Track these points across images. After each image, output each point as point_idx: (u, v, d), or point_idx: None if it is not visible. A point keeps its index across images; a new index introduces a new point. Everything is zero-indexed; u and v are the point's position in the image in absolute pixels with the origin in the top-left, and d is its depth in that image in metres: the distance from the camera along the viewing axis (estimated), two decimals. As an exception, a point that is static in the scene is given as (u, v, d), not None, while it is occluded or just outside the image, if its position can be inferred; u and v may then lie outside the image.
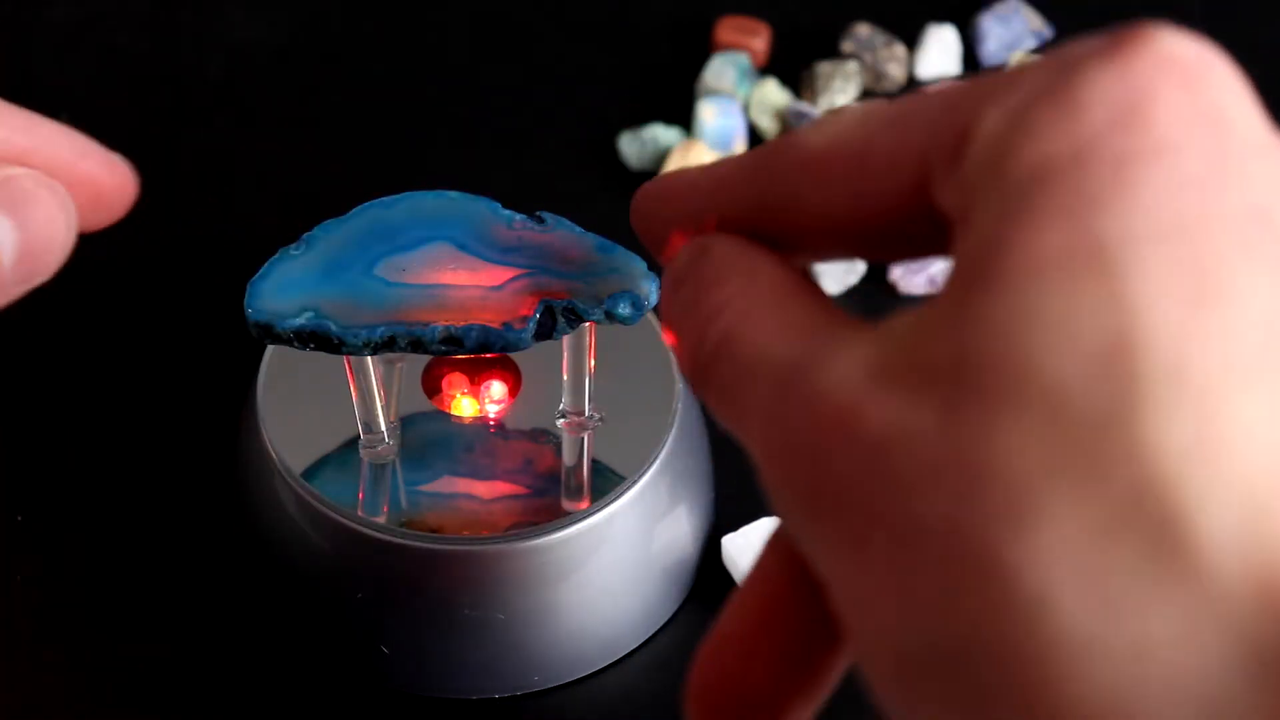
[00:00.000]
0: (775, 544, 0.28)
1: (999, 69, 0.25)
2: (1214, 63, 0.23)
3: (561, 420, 0.47)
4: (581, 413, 0.47)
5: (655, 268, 0.43)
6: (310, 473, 0.47)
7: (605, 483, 0.47)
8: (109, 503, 0.52)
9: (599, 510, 0.47)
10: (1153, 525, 0.20)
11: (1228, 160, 0.22)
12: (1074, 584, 0.20)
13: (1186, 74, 0.23)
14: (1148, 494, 0.20)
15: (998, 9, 0.66)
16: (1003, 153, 0.23)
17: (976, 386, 0.21)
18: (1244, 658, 0.20)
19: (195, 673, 0.49)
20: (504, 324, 0.42)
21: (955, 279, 0.23)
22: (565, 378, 0.46)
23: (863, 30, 0.65)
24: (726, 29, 0.65)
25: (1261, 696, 0.20)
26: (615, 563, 0.48)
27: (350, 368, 0.45)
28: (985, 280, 0.22)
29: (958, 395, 0.22)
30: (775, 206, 0.27)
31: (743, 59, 0.64)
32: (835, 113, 0.27)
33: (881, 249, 0.27)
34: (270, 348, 0.49)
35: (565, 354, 0.45)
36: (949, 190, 0.24)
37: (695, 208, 0.29)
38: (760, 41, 0.65)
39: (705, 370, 0.27)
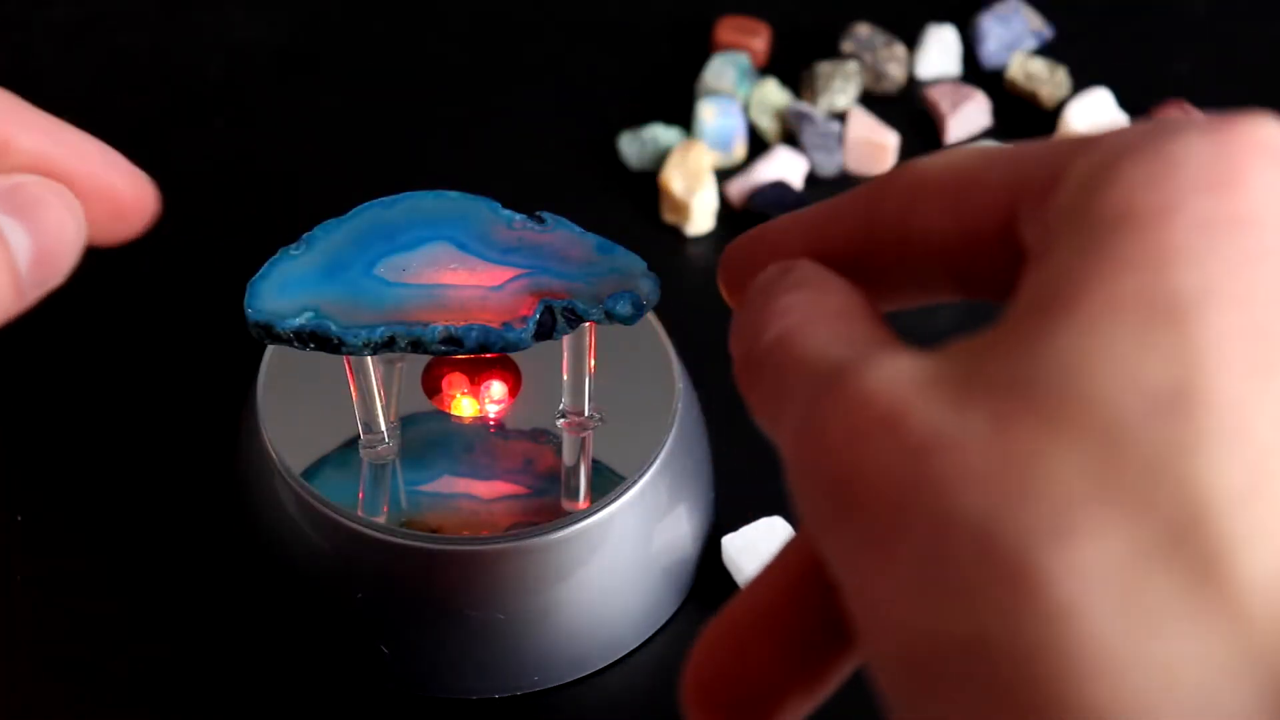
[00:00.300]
0: (792, 545, 0.29)
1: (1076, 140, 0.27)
2: None
3: (561, 420, 0.47)
4: (581, 413, 0.47)
5: (655, 268, 0.43)
6: (310, 473, 0.47)
7: (605, 483, 0.47)
8: (109, 503, 0.52)
9: (599, 510, 0.47)
10: (1195, 557, 0.21)
11: None
12: (1109, 598, 0.21)
13: (1278, 159, 0.24)
14: (1194, 528, 0.21)
15: (998, 9, 0.66)
16: (1090, 196, 0.24)
17: (1034, 405, 0.23)
18: (1270, 691, 0.21)
19: (195, 673, 0.49)
20: (504, 324, 0.42)
21: (1023, 306, 0.24)
22: (565, 378, 0.46)
23: (863, 30, 0.65)
24: (726, 29, 0.65)
25: None
26: (615, 563, 0.48)
27: (350, 368, 0.45)
28: (1057, 310, 0.23)
29: (1013, 410, 0.23)
30: (880, 229, 0.29)
31: (743, 59, 0.64)
32: (956, 148, 0.29)
33: (963, 281, 0.29)
34: (270, 348, 0.49)
35: (565, 354, 0.45)
36: (1033, 225, 0.26)
37: (794, 244, 0.30)
38: (760, 41, 0.65)
39: (756, 367, 0.28)
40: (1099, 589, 0.21)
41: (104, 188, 0.36)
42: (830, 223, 0.30)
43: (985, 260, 0.27)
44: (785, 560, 0.29)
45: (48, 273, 0.34)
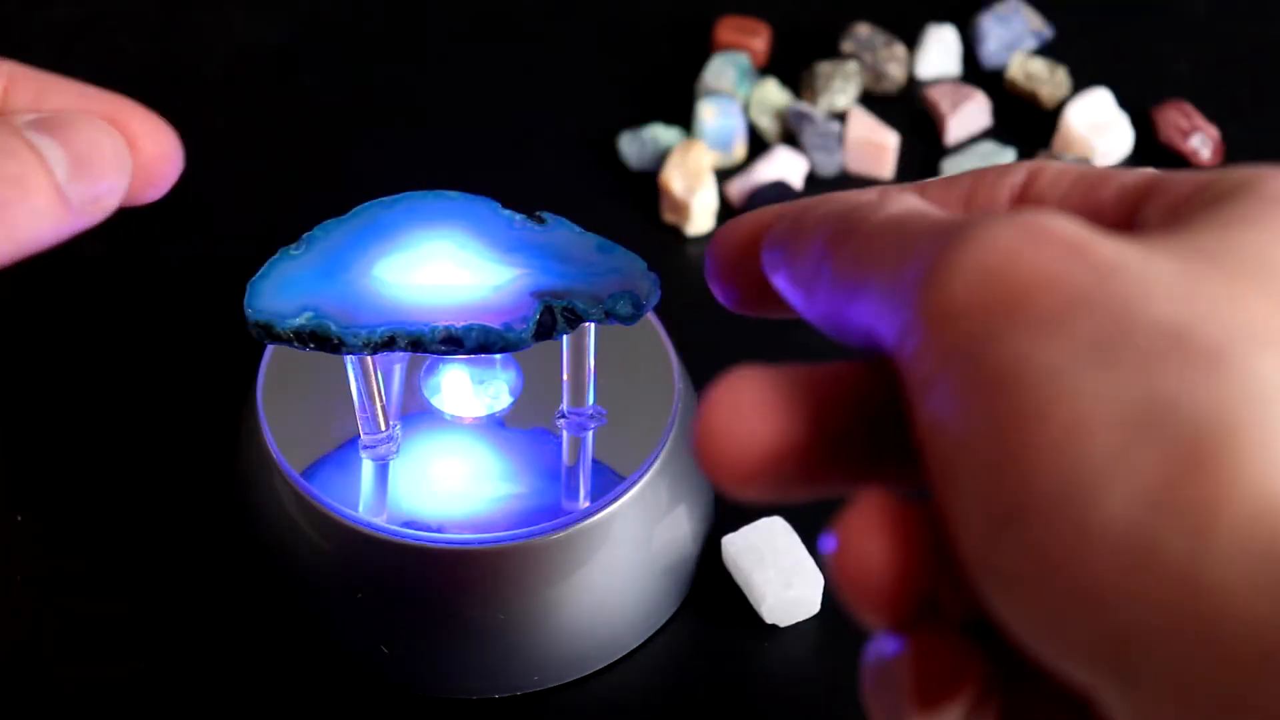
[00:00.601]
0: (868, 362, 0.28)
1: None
2: None
3: (561, 420, 0.47)
4: (581, 413, 0.47)
5: (655, 268, 0.43)
6: (310, 473, 0.47)
7: (605, 483, 0.47)
8: (109, 503, 0.52)
9: (599, 510, 0.47)
10: None
11: None
12: None
13: None
14: None
15: (998, 9, 0.66)
16: (1206, 183, 0.27)
17: (1226, 267, 0.24)
18: None
19: (196, 673, 0.49)
20: (504, 324, 0.42)
21: (1188, 211, 0.27)
22: (565, 378, 0.46)
23: (863, 30, 0.65)
24: (726, 29, 0.65)
25: None
26: (615, 563, 0.48)
27: (350, 368, 0.45)
28: (1230, 214, 0.26)
29: (1201, 267, 0.24)
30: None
31: (743, 59, 0.64)
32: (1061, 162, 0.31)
33: None
34: (270, 348, 0.49)
35: (565, 354, 0.45)
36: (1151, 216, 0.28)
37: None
38: (760, 41, 0.65)
39: (863, 231, 0.27)
40: None
41: (130, 138, 0.37)
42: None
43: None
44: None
45: (93, 183, 0.35)
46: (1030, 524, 0.23)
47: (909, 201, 0.28)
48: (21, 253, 0.35)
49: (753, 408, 0.27)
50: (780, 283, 0.30)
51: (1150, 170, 0.29)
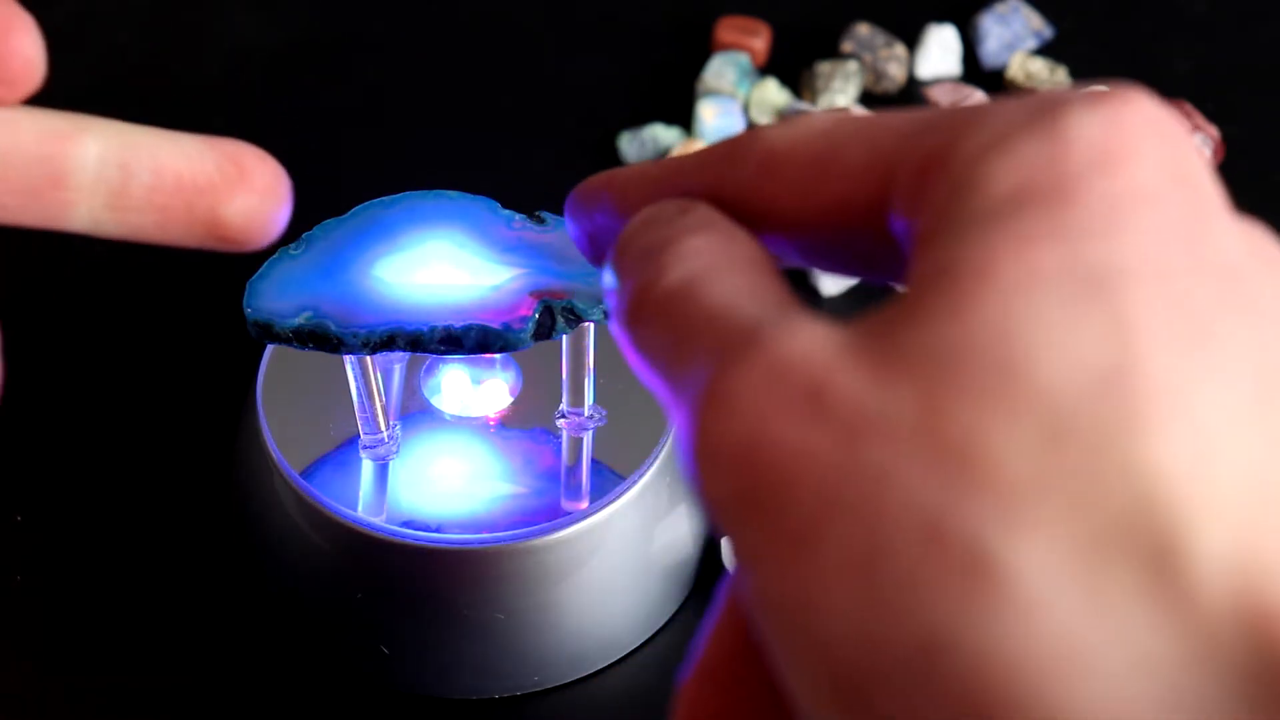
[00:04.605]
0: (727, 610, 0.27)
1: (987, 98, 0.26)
2: (1185, 131, 0.24)
3: (561, 420, 0.47)
4: (581, 413, 0.47)
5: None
6: (310, 473, 0.47)
7: (605, 483, 0.47)
8: (109, 503, 0.52)
9: (599, 510, 0.47)
10: (1148, 543, 0.20)
11: (1202, 218, 0.23)
12: (1071, 592, 0.20)
13: (1164, 135, 0.24)
14: (1144, 512, 0.21)
15: (998, 9, 0.66)
16: (981, 176, 0.23)
17: (965, 382, 0.21)
18: (1240, 683, 0.20)
19: (195, 672, 0.49)
20: (503, 324, 0.42)
21: (926, 281, 0.23)
22: (565, 378, 0.46)
23: (863, 30, 0.65)
24: (726, 29, 0.65)
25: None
26: (615, 563, 0.48)
27: (350, 368, 0.45)
28: (970, 283, 0.22)
29: (943, 387, 0.21)
30: (729, 200, 0.27)
31: (743, 59, 0.64)
32: (804, 116, 0.27)
33: (824, 257, 0.27)
34: (270, 348, 0.49)
35: (565, 354, 0.45)
36: (913, 207, 0.24)
37: (647, 191, 0.29)
38: (760, 41, 0.65)
39: (655, 308, 0.26)
40: (1061, 582, 0.20)
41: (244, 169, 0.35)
42: (681, 180, 0.28)
43: (848, 237, 0.26)
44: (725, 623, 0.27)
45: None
46: None
47: (695, 261, 0.26)
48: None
49: None
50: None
51: (898, 124, 0.25)
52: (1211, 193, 0.24)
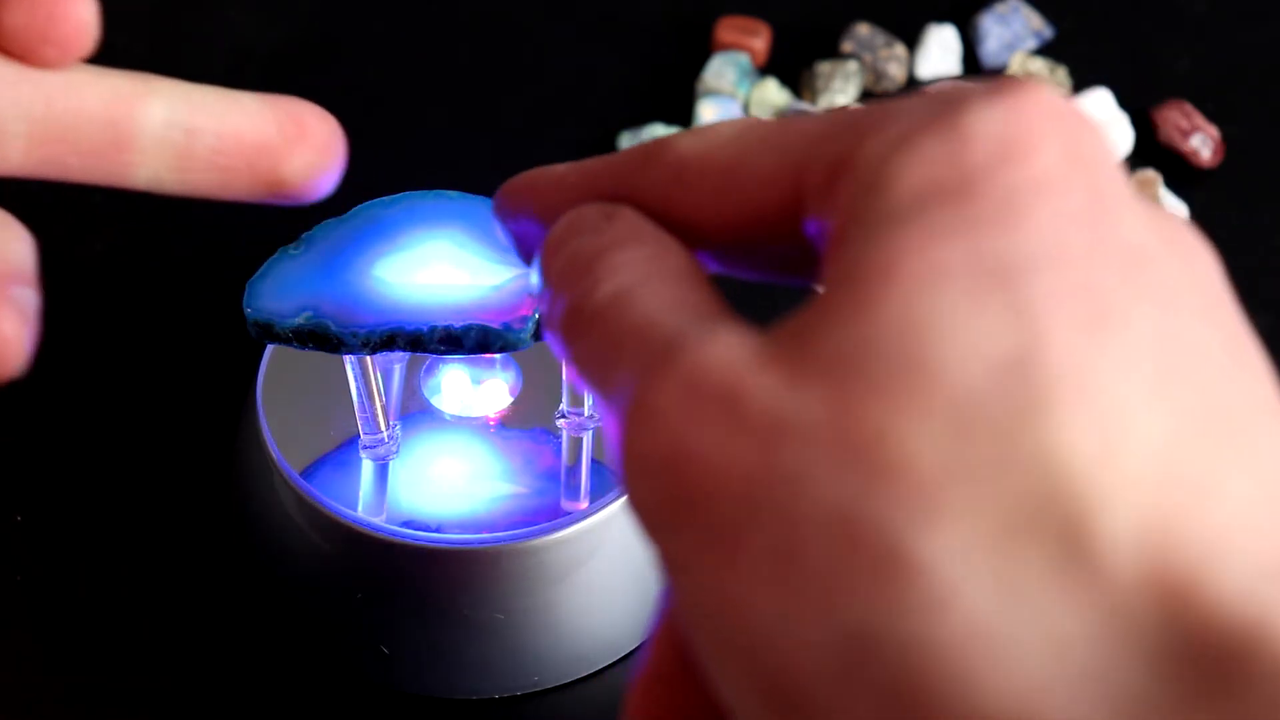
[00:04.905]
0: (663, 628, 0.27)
1: (912, 92, 0.26)
2: (1086, 117, 0.24)
3: (561, 420, 0.47)
4: (581, 413, 0.47)
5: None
6: (310, 473, 0.47)
7: (605, 483, 0.47)
8: (109, 503, 0.52)
9: (599, 510, 0.47)
10: (1058, 526, 0.21)
11: (1105, 202, 0.23)
12: (984, 580, 0.21)
13: (1064, 122, 0.24)
14: (1053, 497, 0.21)
15: (998, 9, 0.66)
16: (887, 176, 0.24)
17: (873, 380, 0.22)
18: (1153, 657, 0.20)
19: (195, 672, 0.49)
20: (503, 324, 0.42)
21: (836, 283, 0.23)
22: (565, 378, 0.46)
23: (863, 30, 0.65)
24: (726, 29, 0.65)
25: (1172, 696, 0.20)
26: (615, 563, 0.47)
27: (350, 368, 0.45)
28: (876, 282, 0.23)
29: (852, 387, 0.22)
30: (643, 206, 0.28)
31: (743, 59, 0.64)
32: (713, 125, 0.28)
33: (742, 263, 0.28)
34: (270, 348, 0.49)
35: (575, 371, 0.45)
36: (824, 210, 0.25)
37: (564, 198, 0.29)
38: (760, 41, 0.65)
39: (585, 323, 0.26)
40: (972, 571, 0.21)
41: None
42: (598, 186, 0.29)
43: (764, 244, 0.27)
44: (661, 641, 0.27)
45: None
46: None
47: (623, 275, 0.26)
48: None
49: None
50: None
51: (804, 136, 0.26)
52: (1116, 178, 0.24)
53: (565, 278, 0.27)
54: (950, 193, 0.23)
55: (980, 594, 0.20)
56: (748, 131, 0.27)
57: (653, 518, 0.23)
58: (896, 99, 0.25)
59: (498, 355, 0.48)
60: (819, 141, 0.25)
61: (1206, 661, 0.20)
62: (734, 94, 0.63)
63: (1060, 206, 0.23)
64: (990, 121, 0.24)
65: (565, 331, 0.27)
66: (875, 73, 0.64)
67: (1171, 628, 0.20)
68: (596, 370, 0.26)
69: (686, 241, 0.27)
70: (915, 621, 0.20)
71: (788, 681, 0.21)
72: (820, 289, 0.24)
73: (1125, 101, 0.63)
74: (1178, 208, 0.60)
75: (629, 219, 0.28)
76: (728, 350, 0.23)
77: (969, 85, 0.24)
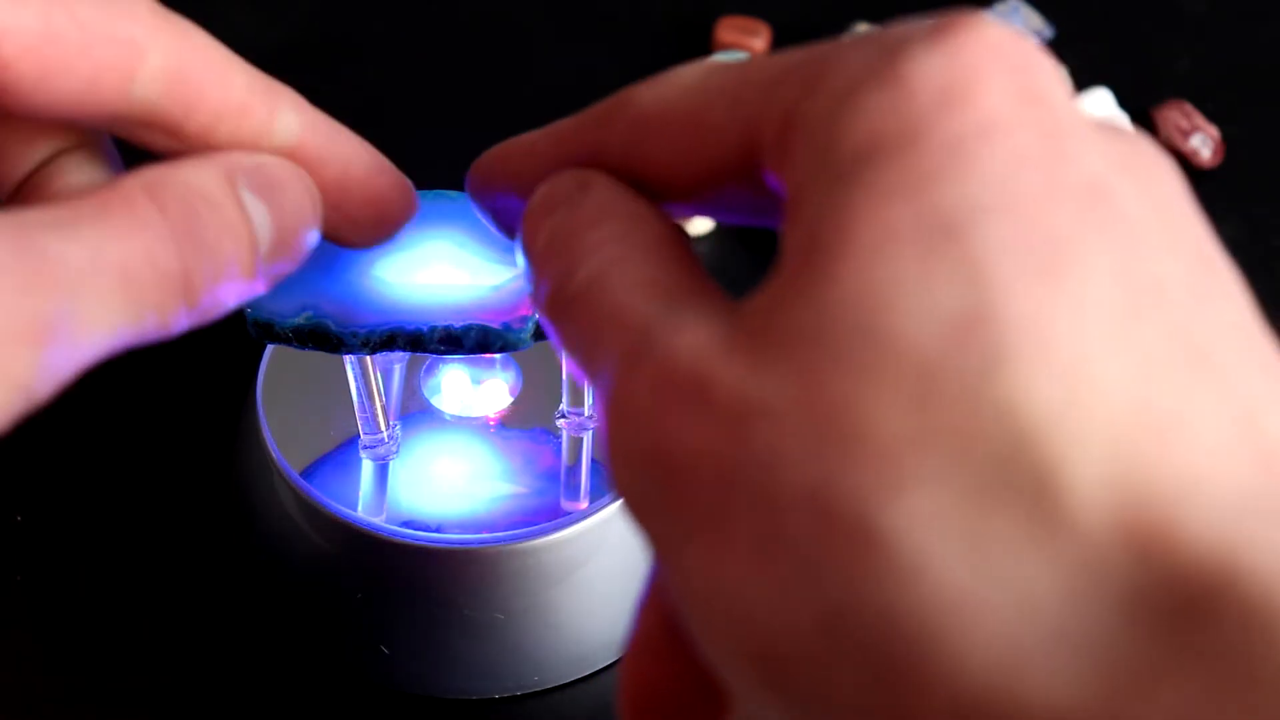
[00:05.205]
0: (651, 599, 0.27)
1: (825, 43, 0.25)
2: (1033, 49, 0.23)
3: (561, 420, 0.47)
4: (581, 413, 0.47)
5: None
6: (310, 473, 0.47)
7: (605, 483, 0.47)
8: (109, 503, 0.52)
9: (598, 510, 0.47)
10: (1025, 483, 0.21)
11: (1057, 138, 0.22)
12: (954, 545, 0.20)
13: (1009, 58, 0.23)
14: (1018, 454, 0.21)
15: (998, 9, 0.66)
16: (831, 134, 0.23)
17: (834, 354, 0.22)
18: (1125, 604, 0.20)
19: (196, 672, 0.49)
20: (504, 324, 0.42)
21: (795, 254, 0.23)
22: (565, 378, 0.46)
23: (863, 30, 0.65)
24: (726, 29, 0.65)
25: (1145, 640, 0.20)
26: (615, 563, 0.48)
27: (350, 368, 0.45)
28: (831, 253, 0.22)
29: (815, 363, 0.22)
30: (611, 163, 0.28)
31: (743, 59, 0.64)
32: (675, 71, 0.27)
33: (719, 212, 0.27)
34: (270, 348, 0.49)
35: (565, 354, 0.45)
36: (779, 167, 0.24)
37: (536, 167, 0.29)
38: (760, 41, 0.65)
39: (566, 309, 0.26)
40: (942, 537, 0.20)
41: (373, 190, 0.35)
42: (565, 150, 0.29)
43: (735, 191, 0.26)
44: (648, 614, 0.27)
45: (283, 255, 0.34)
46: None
47: (597, 256, 0.26)
48: (196, 325, 0.33)
49: None
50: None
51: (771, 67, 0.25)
52: (1068, 109, 0.23)
53: (545, 261, 0.27)
54: (896, 147, 0.22)
55: (951, 559, 0.20)
56: (706, 79, 0.26)
57: (638, 505, 0.24)
58: (842, 44, 0.25)
59: (498, 355, 0.48)
60: (769, 90, 0.25)
61: (1180, 602, 0.20)
62: (734, 94, 0.63)
63: (1008, 148, 0.22)
64: (931, 66, 0.23)
65: (550, 315, 0.27)
66: (875, 73, 0.64)
67: (1144, 573, 0.20)
68: (581, 355, 0.26)
69: (656, 195, 0.27)
70: (889, 591, 0.20)
71: (775, 656, 0.21)
72: (782, 259, 0.24)
73: (1125, 101, 0.63)
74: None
75: (601, 188, 0.27)
76: (694, 339, 0.23)
77: (910, 27, 0.24)
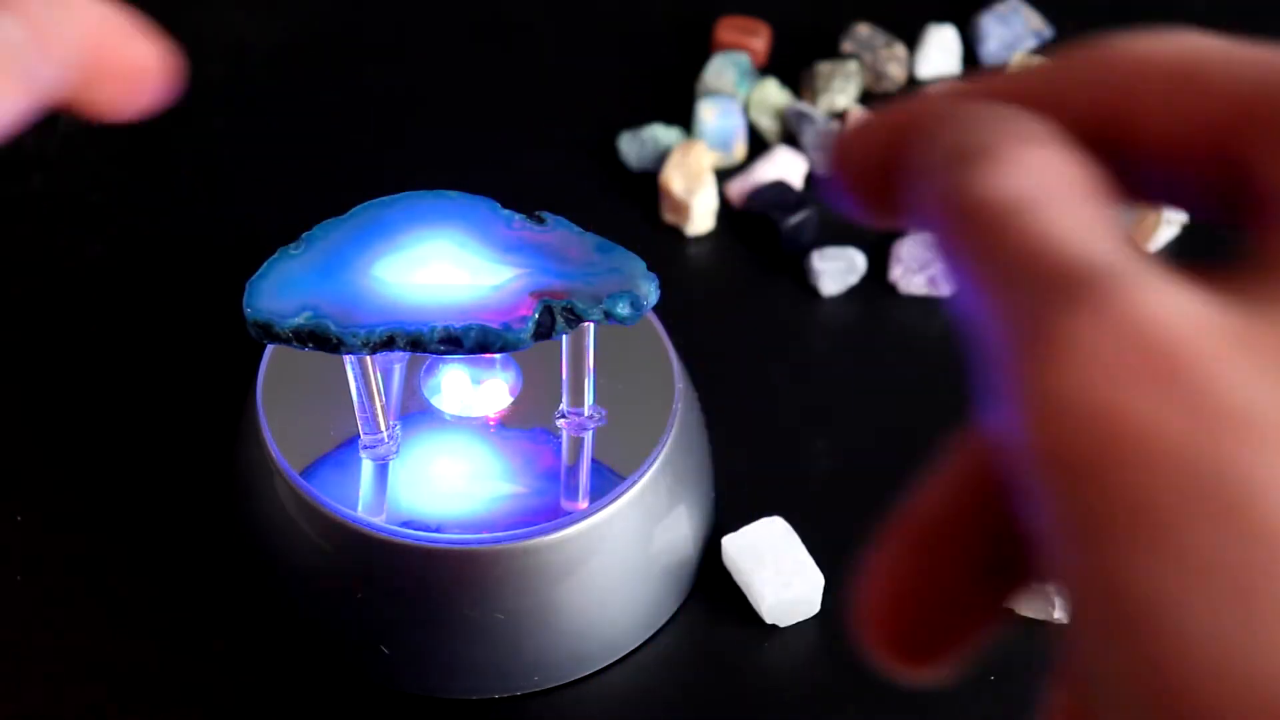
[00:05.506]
0: (957, 458, 0.23)
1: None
2: None
3: (561, 420, 0.47)
4: (581, 413, 0.47)
5: (655, 268, 0.43)
6: (310, 473, 0.47)
7: (605, 483, 0.47)
8: (109, 503, 0.52)
9: (599, 510, 0.47)
10: None
11: None
12: None
13: None
14: None
15: (998, 9, 0.66)
16: None
17: None
18: None
19: (195, 672, 0.49)
20: (503, 324, 0.42)
21: None
22: (565, 378, 0.46)
23: (863, 30, 0.65)
24: (726, 29, 0.65)
25: None
26: (615, 563, 0.47)
27: (350, 368, 0.45)
28: None
29: None
30: (1097, 115, 0.24)
31: (743, 59, 0.64)
32: (1157, 31, 0.24)
33: (1169, 188, 0.24)
34: (270, 348, 0.49)
35: (565, 354, 0.45)
36: (1268, 156, 0.22)
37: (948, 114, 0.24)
38: (760, 41, 0.65)
39: (977, 217, 0.22)
40: None
41: (114, 44, 0.32)
42: (1011, 95, 0.24)
43: (1183, 169, 0.23)
44: (953, 474, 0.23)
45: (59, 59, 0.30)
46: None
47: (1024, 177, 0.22)
48: None
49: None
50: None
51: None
52: None
53: (949, 157, 0.23)
54: None
55: None
56: (1198, 41, 0.24)
57: (1057, 468, 0.20)
58: None
59: (498, 355, 0.48)
60: (1269, 75, 0.23)
61: None
62: (734, 94, 0.63)
63: None
64: None
65: (944, 219, 0.23)
66: (875, 73, 0.64)
67: None
68: (985, 280, 0.22)
69: (1130, 161, 0.24)
70: None
71: (1209, 710, 0.18)
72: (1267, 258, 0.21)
73: (1125, 101, 0.63)
74: (1177, 215, 0.60)
75: (1031, 119, 0.23)
76: (1172, 307, 0.20)
77: None
